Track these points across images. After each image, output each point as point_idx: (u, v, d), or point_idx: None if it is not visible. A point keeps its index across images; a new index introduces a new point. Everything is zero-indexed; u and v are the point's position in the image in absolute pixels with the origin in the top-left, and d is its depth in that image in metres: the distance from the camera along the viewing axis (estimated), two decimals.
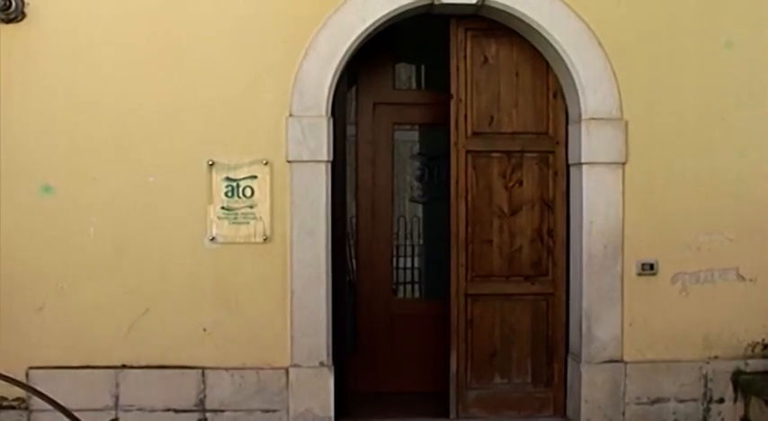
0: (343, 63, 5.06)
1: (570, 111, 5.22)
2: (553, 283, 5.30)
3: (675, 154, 5.11)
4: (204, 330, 4.99)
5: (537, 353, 5.29)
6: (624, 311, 5.05)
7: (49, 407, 3.81)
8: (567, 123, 5.30)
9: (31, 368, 4.90)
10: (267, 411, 4.95)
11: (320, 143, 4.95)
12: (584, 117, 5.05)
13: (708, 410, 5.10)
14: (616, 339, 5.04)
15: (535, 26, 4.98)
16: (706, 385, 5.10)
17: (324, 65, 4.97)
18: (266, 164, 4.93)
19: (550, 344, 5.30)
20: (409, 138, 6.43)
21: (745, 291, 5.12)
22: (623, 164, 5.07)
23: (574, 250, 5.22)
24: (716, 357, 5.13)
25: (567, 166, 5.29)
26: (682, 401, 5.08)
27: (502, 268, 5.27)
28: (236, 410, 4.95)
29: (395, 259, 6.10)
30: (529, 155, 5.28)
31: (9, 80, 4.88)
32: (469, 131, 5.26)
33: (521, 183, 5.25)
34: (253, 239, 4.95)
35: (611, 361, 5.06)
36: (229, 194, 4.94)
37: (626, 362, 5.07)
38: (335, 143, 5.11)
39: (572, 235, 5.25)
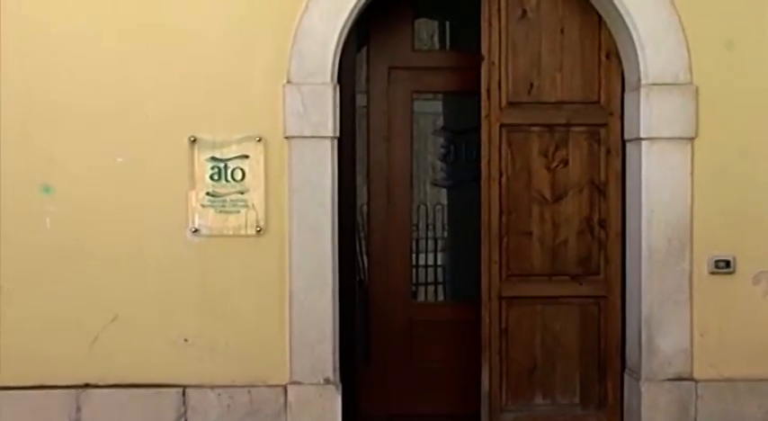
0: (352, 19, 4.93)
1: (627, 75, 5.03)
2: (606, 284, 5.07)
3: (757, 127, 4.87)
4: (185, 341, 4.79)
5: (586, 367, 5.10)
6: (694, 318, 4.83)
7: None
8: (622, 90, 5.03)
9: None
10: None
11: (324, 116, 4.79)
12: (644, 82, 4.83)
13: None
14: (684, 352, 4.83)
15: None
16: None
17: (329, 21, 4.83)
18: (259, 141, 4.74)
19: (603, 358, 5.10)
20: (431, 110, 6.36)
21: None
22: (692, 139, 4.86)
23: (631, 244, 5.01)
24: None
25: (623, 143, 5.06)
26: None
27: (543, 265, 5.08)
28: None
29: (414, 255, 5.92)
30: (576, 129, 5.07)
31: None
32: (504, 101, 5.05)
33: (566, 163, 5.03)
34: (244, 231, 4.77)
35: (679, 378, 4.83)
36: (215, 177, 4.73)
37: (696, 381, 4.84)
38: (343, 116, 4.97)
39: (628, 225, 5.04)
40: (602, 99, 5.04)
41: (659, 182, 4.80)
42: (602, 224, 5.06)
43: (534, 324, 5.10)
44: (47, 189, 4.72)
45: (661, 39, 4.73)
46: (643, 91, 4.76)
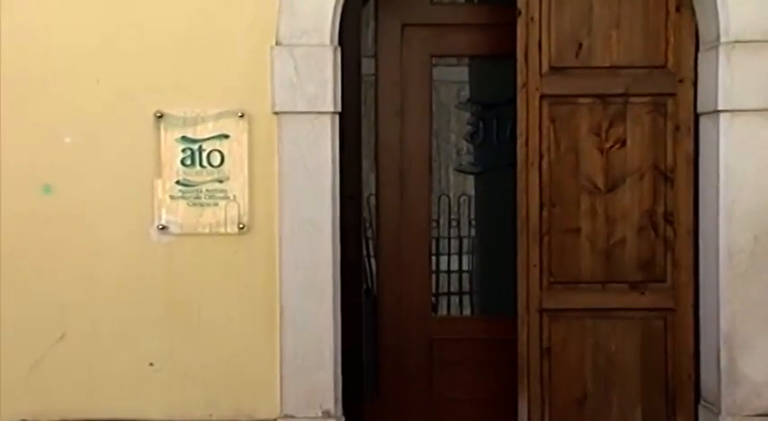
0: None
1: (702, 31, 4.62)
2: (674, 293, 4.74)
3: None
4: (150, 365, 4.43)
5: (650, 398, 4.76)
6: None
7: None
8: (696, 51, 4.66)
9: None
10: None
11: (323, 86, 4.45)
12: (723, 39, 4.43)
13: None
14: None
15: None
16: None
17: None
18: (242, 117, 4.39)
19: (671, 386, 4.78)
20: (455, 78, 5.96)
21: None
22: None
23: (706, 243, 4.66)
24: None
25: (696, 117, 4.68)
26: None
27: (595, 270, 4.74)
28: None
29: (434, 258, 5.68)
30: (637, 100, 4.68)
31: None
32: (546, 66, 4.70)
33: (623, 144, 4.68)
34: (223, 229, 4.43)
35: None
36: (187, 162, 4.38)
37: None
38: (345, 86, 4.62)
39: (702, 220, 4.68)
40: (670, 62, 4.72)
41: (742, 165, 4.42)
42: (669, 219, 4.74)
43: (584, 343, 4.78)
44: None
45: None
46: (723, 51, 4.44)
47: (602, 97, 4.72)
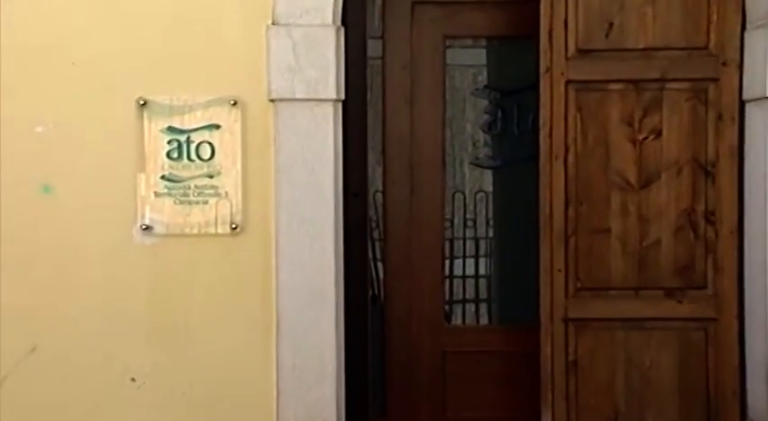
0: None
1: (749, 7, 4.34)
2: (715, 301, 4.48)
3: None
4: (132, 380, 4.18)
5: (690, 418, 4.52)
6: None
7: None
8: (742, 30, 4.38)
9: None
10: None
11: (324, 70, 4.23)
12: None
13: None
14: None
15: None
16: None
17: None
18: (234, 104, 4.19)
19: (713, 405, 4.52)
20: (472, 62, 5.90)
21: None
22: None
23: (752, 245, 4.42)
24: None
25: (741, 104, 4.40)
26: None
27: (627, 276, 4.48)
28: None
29: (448, 262, 5.63)
30: (674, 86, 4.41)
31: None
32: (572, 48, 4.46)
33: (659, 134, 4.42)
34: (213, 229, 4.24)
35: None
36: (174, 155, 4.19)
37: None
38: (349, 70, 4.44)
39: (747, 219, 4.43)
40: (712, 43, 4.43)
41: None
42: (710, 218, 4.47)
43: (615, 357, 4.50)
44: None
45: None
46: None
47: (635, 83, 4.48)
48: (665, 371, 4.52)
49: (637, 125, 4.48)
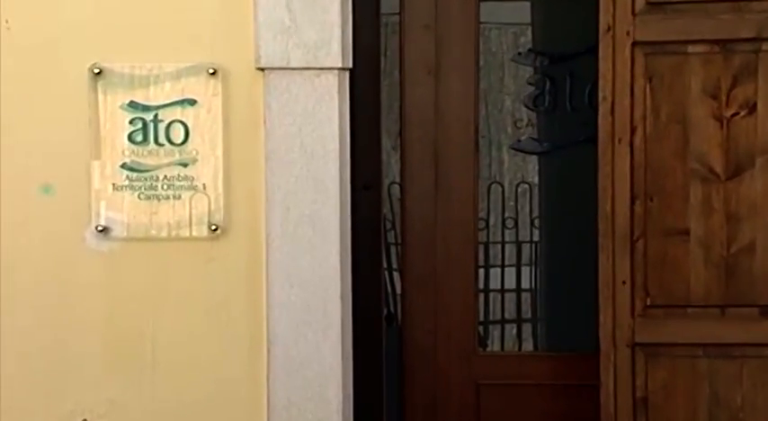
0: None
1: None
2: None
3: None
4: None
5: None
6: None
7: None
8: None
9: None
10: None
11: (327, 31, 3.80)
12: None
13: None
14: None
15: None
16: None
17: None
18: (213, 74, 3.73)
19: None
20: (512, 19, 5.69)
21: None
22: None
23: None
24: None
25: None
26: None
27: (710, 290, 3.88)
28: None
29: (483, 272, 5.33)
30: None
31: None
32: (641, 2, 3.92)
33: (752, 110, 3.79)
34: (187, 231, 3.79)
35: None
36: (138, 138, 3.77)
37: None
38: (358, 32, 3.97)
39: None
40: None
41: None
42: None
43: (696, 392, 3.84)
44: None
45: None
46: None
47: (722, 44, 3.79)
48: (761, 412, 3.85)
49: (724, 98, 3.82)
